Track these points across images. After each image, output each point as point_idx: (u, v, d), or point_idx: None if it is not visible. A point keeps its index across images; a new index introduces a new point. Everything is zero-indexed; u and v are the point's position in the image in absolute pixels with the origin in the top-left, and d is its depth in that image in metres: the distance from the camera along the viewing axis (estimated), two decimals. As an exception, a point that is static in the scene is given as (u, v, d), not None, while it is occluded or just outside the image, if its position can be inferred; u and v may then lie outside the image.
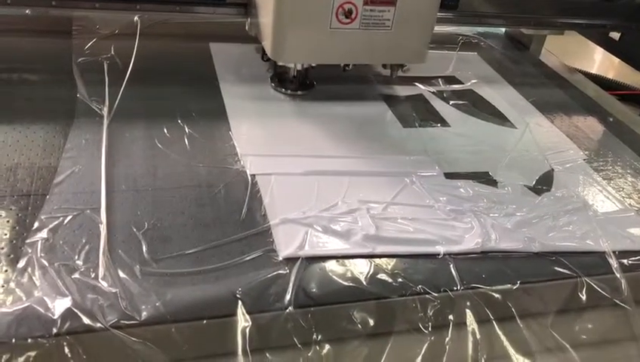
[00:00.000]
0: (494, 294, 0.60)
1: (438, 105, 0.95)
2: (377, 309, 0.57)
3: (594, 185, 0.80)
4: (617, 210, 0.75)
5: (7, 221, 0.59)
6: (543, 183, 0.78)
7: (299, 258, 0.59)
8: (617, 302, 0.63)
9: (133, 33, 0.89)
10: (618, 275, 0.64)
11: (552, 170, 0.82)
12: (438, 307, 0.58)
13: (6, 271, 0.53)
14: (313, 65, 0.87)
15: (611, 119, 1.01)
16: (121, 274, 0.54)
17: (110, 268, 0.54)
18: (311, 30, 0.79)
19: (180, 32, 1.02)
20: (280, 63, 0.85)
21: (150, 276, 0.55)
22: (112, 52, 0.89)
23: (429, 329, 0.58)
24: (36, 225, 0.58)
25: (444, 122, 0.90)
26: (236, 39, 0.92)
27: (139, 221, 0.61)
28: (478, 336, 0.58)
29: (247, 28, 0.90)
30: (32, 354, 0.47)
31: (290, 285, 0.56)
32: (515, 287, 0.61)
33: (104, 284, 0.53)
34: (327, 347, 0.55)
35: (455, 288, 0.59)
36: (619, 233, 0.71)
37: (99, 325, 0.49)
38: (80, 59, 0.87)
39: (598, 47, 1.24)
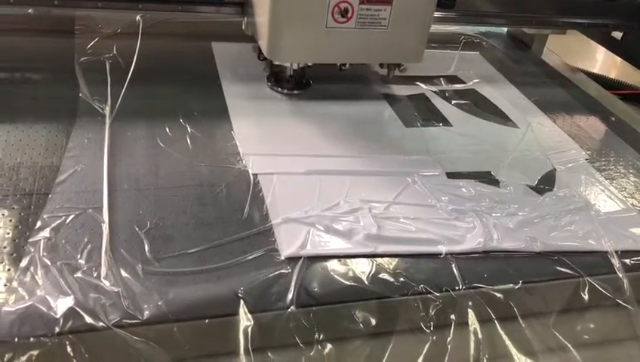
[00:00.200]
0: (496, 294, 0.60)
1: (440, 104, 0.95)
2: (379, 309, 0.57)
3: (596, 184, 0.80)
4: (619, 210, 0.75)
5: (10, 220, 0.59)
6: (545, 183, 0.78)
7: (301, 257, 0.59)
8: (620, 302, 0.63)
9: (135, 32, 0.89)
10: (620, 275, 0.64)
11: (554, 169, 0.82)
12: (440, 306, 0.58)
13: (8, 270, 0.53)
14: (309, 64, 0.87)
15: (613, 119, 1.01)
16: (124, 274, 0.54)
17: (112, 267, 0.54)
18: (307, 29, 0.79)
19: (182, 31, 1.02)
20: (276, 63, 0.85)
21: (152, 275, 0.55)
22: (115, 51, 0.89)
23: (431, 328, 0.58)
24: (39, 224, 0.58)
25: (446, 122, 0.90)
26: (238, 39, 0.92)
27: (141, 220, 0.61)
28: (480, 336, 0.58)
29: (243, 27, 0.90)
30: (35, 353, 0.48)
31: (292, 284, 0.56)
32: (517, 287, 0.61)
33: (106, 283, 0.53)
34: (329, 346, 0.55)
35: (457, 288, 0.59)
36: (621, 233, 0.70)
37: (101, 324, 0.49)
38: (82, 59, 0.87)
39: (600, 46, 1.23)
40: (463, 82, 1.04)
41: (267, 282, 0.56)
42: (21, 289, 0.51)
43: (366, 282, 0.58)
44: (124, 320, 0.50)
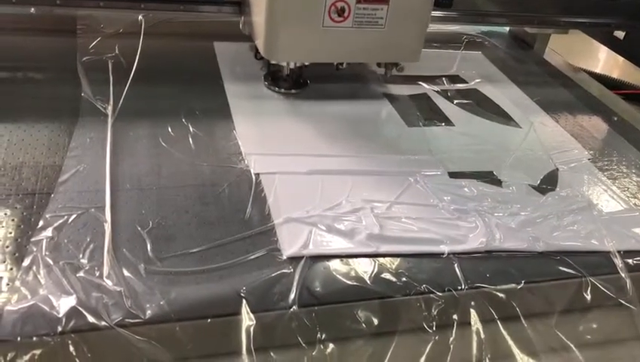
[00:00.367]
0: (499, 294, 0.60)
1: (442, 104, 0.95)
2: (381, 308, 0.57)
3: (599, 184, 0.80)
4: (622, 210, 0.75)
5: (12, 219, 0.59)
6: (548, 183, 0.78)
7: (303, 257, 0.59)
8: (622, 301, 0.63)
9: (137, 32, 0.89)
10: (623, 275, 0.64)
11: (557, 169, 0.82)
12: (443, 306, 0.58)
13: (11, 269, 0.53)
14: (306, 63, 0.87)
15: (616, 118, 1.00)
16: (126, 273, 0.54)
17: (115, 266, 0.54)
18: (303, 28, 0.79)
19: (184, 30, 1.03)
20: (273, 62, 0.85)
21: (154, 275, 0.55)
22: (117, 51, 0.89)
23: (433, 328, 0.57)
24: (41, 223, 0.58)
25: (448, 121, 0.90)
26: (240, 38, 0.92)
27: (143, 220, 0.61)
28: (482, 336, 0.58)
29: (241, 26, 0.90)
30: (37, 352, 0.48)
31: (295, 284, 0.56)
32: (519, 287, 0.61)
33: (109, 283, 0.53)
34: (331, 346, 0.55)
35: (459, 287, 0.59)
36: (624, 233, 0.70)
37: (103, 323, 0.49)
38: (84, 58, 0.87)
39: (602, 46, 1.23)
40: (465, 82, 1.04)
41: (269, 282, 0.56)
42: (23, 288, 0.51)
43: (368, 282, 0.58)
44: (127, 320, 0.50)
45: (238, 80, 0.91)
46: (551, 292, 0.62)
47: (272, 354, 0.54)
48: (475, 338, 0.58)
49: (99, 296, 0.51)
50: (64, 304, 0.50)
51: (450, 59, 1.11)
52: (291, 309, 0.54)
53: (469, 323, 0.59)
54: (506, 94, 1.01)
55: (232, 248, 0.59)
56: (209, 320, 0.52)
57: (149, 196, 0.65)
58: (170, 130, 0.76)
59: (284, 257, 0.59)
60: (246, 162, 0.72)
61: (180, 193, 0.66)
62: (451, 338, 0.57)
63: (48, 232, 0.57)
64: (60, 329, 0.48)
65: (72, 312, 0.50)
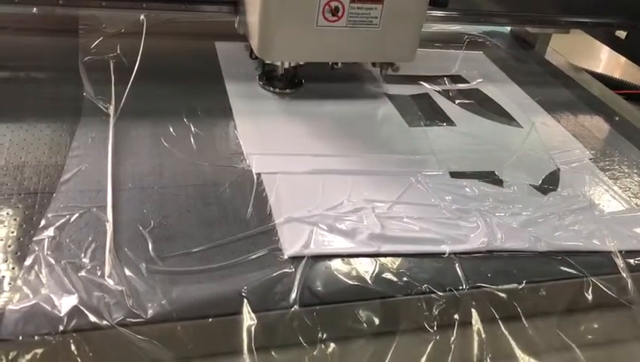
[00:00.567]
0: (500, 293, 0.60)
1: (444, 104, 0.95)
2: (383, 308, 0.57)
3: (600, 184, 0.80)
4: (624, 210, 0.75)
5: (15, 219, 0.59)
6: (549, 183, 0.78)
7: (304, 256, 0.59)
8: (623, 301, 0.63)
9: (139, 32, 0.89)
10: (624, 275, 0.64)
11: (558, 169, 0.82)
12: (444, 306, 0.58)
13: (13, 268, 0.53)
14: (301, 63, 0.87)
15: (617, 118, 1.00)
16: (127, 272, 0.54)
17: (116, 266, 0.54)
18: (297, 28, 0.79)
19: (186, 30, 1.03)
20: (267, 61, 0.85)
21: (156, 274, 0.55)
22: (119, 51, 0.90)
23: (435, 328, 0.57)
24: (43, 223, 0.58)
25: (449, 121, 0.90)
26: (242, 38, 0.92)
27: (145, 219, 0.61)
28: (483, 336, 0.58)
29: (236, 26, 0.90)
30: (39, 351, 0.48)
31: (296, 284, 0.56)
32: (520, 287, 0.61)
33: (110, 282, 0.53)
34: (332, 345, 0.55)
35: (460, 287, 0.59)
36: (625, 233, 0.70)
37: (105, 323, 0.49)
38: (86, 58, 0.87)
39: (604, 45, 1.23)
40: (466, 82, 1.04)
41: (270, 281, 0.56)
42: (25, 287, 0.51)
43: (369, 281, 0.58)
44: (128, 319, 0.50)
45: (239, 80, 0.91)
46: (552, 292, 0.62)
47: (273, 353, 0.54)
48: (476, 338, 0.58)
49: (100, 296, 0.51)
50: (66, 303, 0.50)
51: (452, 59, 1.10)
52: (292, 309, 0.54)
53: (471, 323, 0.58)
54: (507, 94, 1.01)
55: (233, 248, 0.59)
56: (210, 320, 0.52)
57: (150, 196, 0.65)
58: (171, 129, 0.76)
59: (286, 257, 0.59)
60: (247, 162, 0.72)
61: (181, 193, 0.66)
62: (452, 338, 0.57)
63: (50, 232, 0.57)
64: (61, 328, 0.49)
65: (74, 311, 0.50)
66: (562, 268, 0.64)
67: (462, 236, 0.65)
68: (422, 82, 1.00)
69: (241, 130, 0.78)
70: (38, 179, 0.65)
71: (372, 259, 0.61)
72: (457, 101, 0.96)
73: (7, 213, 0.60)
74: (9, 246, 0.56)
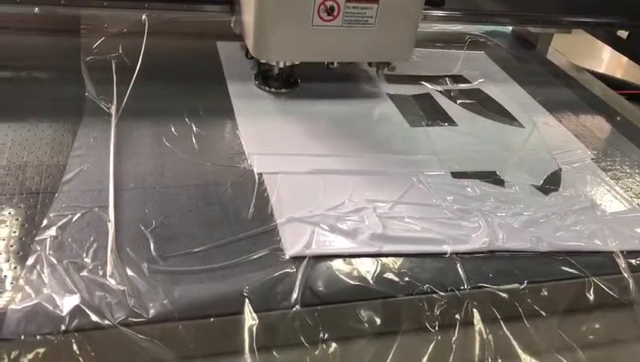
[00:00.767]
0: (501, 294, 0.60)
1: (446, 104, 0.95)
2: (384, 308, 0.57)
3: (602, 184, 0.80)
4: (625, 210, 0.75)
5: (17, 219, 0.59)
6: (551, 183, 0.78)
7: (306, 256, 0.59)
8: (625, 302, 0.63)
9: (141, 32, 0.89)
10: (626, 275, 0.64)
11: (560, 169, 0.82)
12: (445, 306, 0.58)
13: (15, 268, 0.53)
14: (297, 62, 0.86)
15: (619, 118, 1.00)
16: (129, 272, 0.54)
17: (118, 265, 0.55)
18: (293, 28, 0.79)
19: (188, 30, 1.03)
20: (262, 61, 0.85)
21: (158, 274, 0.55)
22: (120, 50, 0.90)
23: (436, 328, 0.58)
24: (45, 222, 0.58)
25: (451, 121, 0.90)
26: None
27: (146, 219, 0.61)
28: (484, 336, 0.58)
29: (232, 26, 0.90)
30: (41, 350, 0.48)
31: (297, 283, 0.56)
32: (522, 287, 0.61)
33: (112, 282, 0.53)
34: (333, 345, 0.55)
35: (462, 287, 0.59)
36: (627, 233, 0.70)
37: (107, 322, 0.49)
38: (88, 58, 0.87)
39: (605, 45, 1.23)
40: (468, 82, 1.04)
41: (272, 281, 0.56)
42: (27, 287, 0.51)
43: (371, 281, 0.58)
44: (130, 319, 0.50)
45: (241, 80, 0.91)
46: (554, 293, 0.62)
47: (274, 353, 0.54)
48: (477, 338, 0.58)
49: (102, 295, 0.51)
50: (68, 303, 0.50)
51: (453, 59, 1.10)
52: (294, 309, 0.54)
53: (472, 323, 0.59)
54: (509, 94, 1.01)
55: (234, 248, 0.60)
56: (212, 320, 0.52)
57: (152, 195, 0.65)
58: (173, 129, 0.76)
59: (287, 257, 0.59)
60: (249, 162, 0.73)
61: (183, 192, 0.66)
62: (454, 339, 0.57)
63: (52, 231, 0.57)
64: (63, 328, 0.49)
65: (76, 311, 0.50)
66: (564, 268, 0.64)
67: (463, 236, 0.65)
68: (423, 82, 1.00)
69: (242, 130, 0.78)
70: (40, 178, 0.65)
71: (373, 259, 0.61)
72: (459, 101, 0.96)
73: (10, 213, 0.60)
74: (11, 245, 0.56)
